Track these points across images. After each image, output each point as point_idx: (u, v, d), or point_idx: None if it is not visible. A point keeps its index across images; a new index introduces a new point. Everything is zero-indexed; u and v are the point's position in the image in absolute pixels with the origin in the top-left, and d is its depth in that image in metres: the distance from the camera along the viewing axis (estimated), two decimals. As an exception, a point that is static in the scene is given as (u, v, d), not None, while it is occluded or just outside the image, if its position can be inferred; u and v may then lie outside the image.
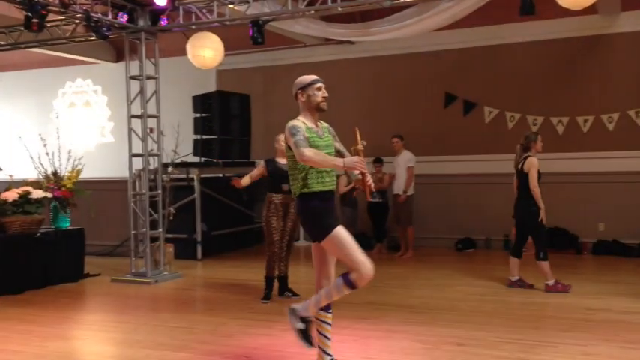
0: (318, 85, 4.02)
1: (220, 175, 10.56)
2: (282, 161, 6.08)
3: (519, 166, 6.74)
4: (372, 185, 3.92)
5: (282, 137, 6.39)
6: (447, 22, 7.85)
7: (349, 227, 9.60)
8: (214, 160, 10.16)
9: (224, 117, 10.35)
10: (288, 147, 3.94)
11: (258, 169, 6.47)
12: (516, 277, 6.87)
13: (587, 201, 9.22)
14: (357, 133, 3.92)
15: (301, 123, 3.93)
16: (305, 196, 3.92)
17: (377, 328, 5.34)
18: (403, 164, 9.33)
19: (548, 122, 9.56)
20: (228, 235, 10.15)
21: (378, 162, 9.75)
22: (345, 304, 6.26)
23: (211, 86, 11.51)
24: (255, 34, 7.36)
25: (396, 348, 4.73)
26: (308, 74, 4.07)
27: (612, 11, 8.81)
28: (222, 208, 9.98)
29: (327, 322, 4.12)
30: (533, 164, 6.61)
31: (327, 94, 4.02)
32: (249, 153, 10.88)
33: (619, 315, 5.61)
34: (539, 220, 6.60)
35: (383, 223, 9.89)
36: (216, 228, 9.85)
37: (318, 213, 3.91)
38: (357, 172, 3.81)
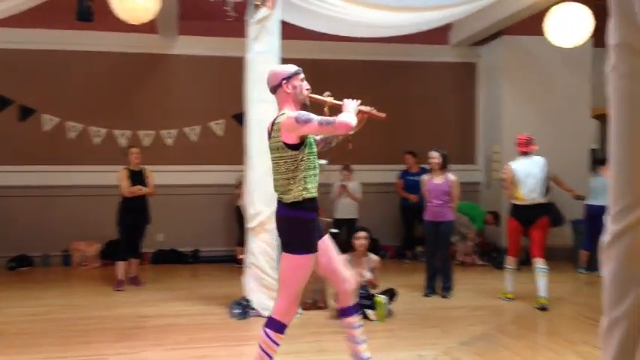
0: (302, 75, 3.68)
1: None
2: None
3: None
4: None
5: None
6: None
7: None
8: None
9: None
10: (286, 145, 3.46)
11: None
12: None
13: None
14: (317, 95, 3.70)
15: None
16: (305, 202, 3.50)
17: None
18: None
19: (111, 135, 9.55)
20: None
21: None
22: None
23: None
24: None
25: None
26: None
27: (171, 33, 9.36)
28: None
29: (276, 343, 3.62)
30: (119, 175, 7.44)
31: (309, 87, 3.70)
32: None
33: (171, 319, 5.89)
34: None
35: None
36: None
37: (311, 228, 3.54)
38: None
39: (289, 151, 3.49)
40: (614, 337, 1.33)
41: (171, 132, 9.78)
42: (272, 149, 3.60)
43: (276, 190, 3.63)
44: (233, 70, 8.26)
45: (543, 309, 6.21)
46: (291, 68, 3.70)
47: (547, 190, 6.61)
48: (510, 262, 6.69)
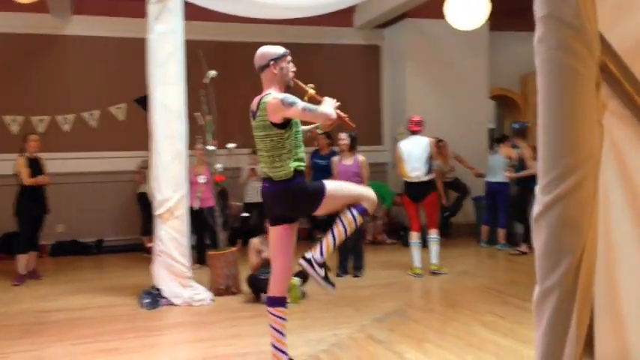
0: (289, 57, 3.70)
1: None
2: None
3: None
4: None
5: None
6: None
7: None
8: None
9: None
10: (272, 124, 3.50)
11: None
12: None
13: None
14: (301, 83, 3.77)
15: None
16: (297, 174, 3.57)
17: None
18: None
19: (1, 121, 8.92)
20: None
21: None
22: None
23: None
24: None
25: None
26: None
27: (63, 13, 8.83)
28: None
29: (283, 318, 3.69)
30: (17, 163, 7.00)
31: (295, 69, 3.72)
32: None
33: (76, 313, 5.61)
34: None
35: None
36: None
37: (305, 185, 3.65)
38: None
39: (275, 129, 3.54)
40: (548, 305, 1.36)
41: (67, 117, 9.26)
42: (258, 128, 3.62)
43: (263, 168, 3.71)
44: (134, 51, 7.93)
45: (434, 274, 6.77)
46: (280, 50, 3.71)
47: (430, 169, 6.91)
48: (413, 236, 7.00)
